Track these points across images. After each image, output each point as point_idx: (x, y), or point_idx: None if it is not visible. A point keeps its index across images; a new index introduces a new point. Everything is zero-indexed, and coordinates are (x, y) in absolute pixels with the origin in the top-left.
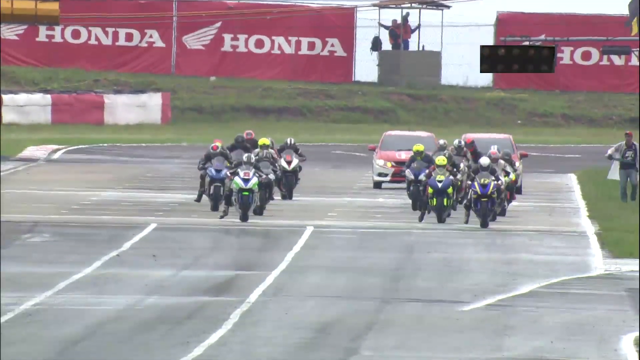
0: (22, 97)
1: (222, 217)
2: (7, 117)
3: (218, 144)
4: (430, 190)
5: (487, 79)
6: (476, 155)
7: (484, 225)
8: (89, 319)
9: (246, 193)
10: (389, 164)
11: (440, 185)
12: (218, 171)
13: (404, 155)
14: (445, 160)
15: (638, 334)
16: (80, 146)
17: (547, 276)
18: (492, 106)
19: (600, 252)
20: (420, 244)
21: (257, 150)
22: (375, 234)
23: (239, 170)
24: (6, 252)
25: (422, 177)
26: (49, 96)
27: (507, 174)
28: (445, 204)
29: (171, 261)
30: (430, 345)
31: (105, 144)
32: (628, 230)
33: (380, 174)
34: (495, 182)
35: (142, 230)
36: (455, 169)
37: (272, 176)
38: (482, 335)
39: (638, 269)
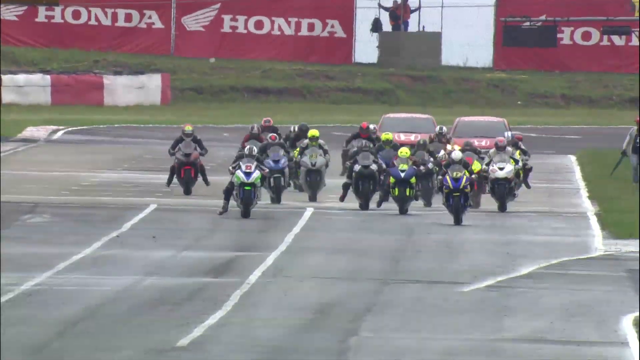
0: (22, 78)
1: (221, 213)
2: (7, 97)
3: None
4: (392, 180)
5: (487, 59)
6: (372, 142)
7: (457, 221)
8: (89, 300)
9: (248, 187)
10: (387, 147)
11: (403, 175)
12: (276, 162)
13: (403, 137)
14: (409, 152)
15: (638, 315)
16: (80, 127)
17: (546, 257)
18: (492, 87)
19: (600, 233)
20: (420, 225)
21: (306, 141)
22: (375, 216)
23: (240, 163)
24: (6, 233)
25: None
26: (48, 77)
27: (516, 161)
28: (407, 194)
29: (171, 242)
30: (430, 326)
31: (105, 125)
32: (628, 211)
33: None
34: (469, 175)
35: (141, 211)
36: (432, 157)
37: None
38: (481, 316)
39: (638, 250)
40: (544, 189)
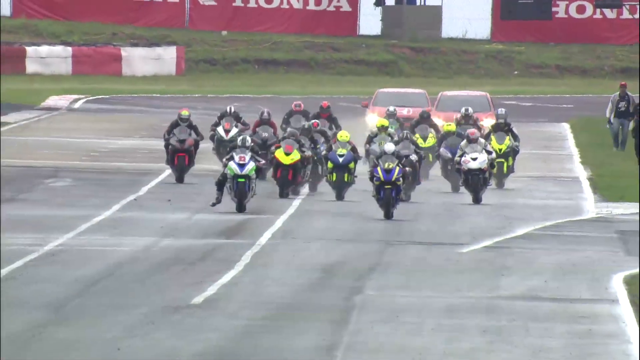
0: (44, 49)
1: (214, 204)
2: (30, 68)
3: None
4: (330, 165)
5: (485, 32)
6: (331, 122)
7: (388, 216)
8: (108, 260)
9: (242, 180)
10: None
11: (341, 160)
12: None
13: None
14: (348, 136)
15: (628, 273)
16: (99, 96)
17: (541, 219)
18: (490, 58)
19: (592, 196)
20: (421, 190)
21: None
22: None
23: (233, 154)
24: (30, 196)
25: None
26: (69, 48)
27: (488, 152)
28: (345, 179)
29: (185, 205)
30: (431, 285)
31: (123, 95)
32: (619, 175)
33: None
34: (402, 167)
35: (157, 176)
36: (416, 147)
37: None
38: (480, 275)
39: (638, 212)
40: (539, 155)
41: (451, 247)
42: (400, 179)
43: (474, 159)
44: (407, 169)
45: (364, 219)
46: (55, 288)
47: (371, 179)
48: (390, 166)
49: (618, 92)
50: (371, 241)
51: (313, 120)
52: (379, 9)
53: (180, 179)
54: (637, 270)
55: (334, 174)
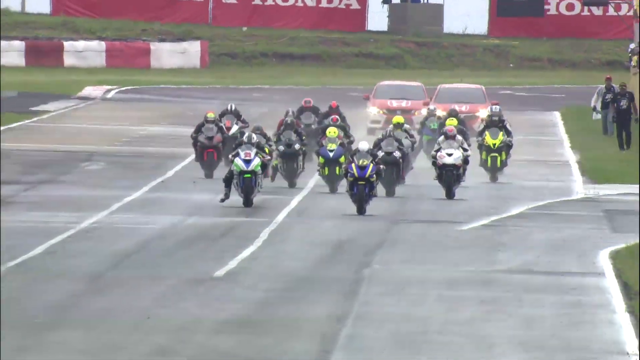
0: (81, 44)
1: (222, 200)
2: (68, 61)
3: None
4: (321, 160)
5: (483, 28)
6: (341, 120)
7: (360, 211)
8: (138, 236)
9: (248, 175)
10: (380, 112)
11: (331, 154)
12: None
13: (395, 104)
14: (337, 131)
15: (613, 249)
16: (130, 87)
17: (534, 199)
18: (487, 52)
19: (581, 178)
20: (424, 173)
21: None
22: None
23: (239, 150)
24: (68, 178)
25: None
26: (103, 43)
27: (464, 149)
28: (337, 173)
29: (209, 187)
30: (433, 259)
31: (152, 86)
32: (605, 159)
33: (373, 121)
34: (375, 164)
35: (183, 160)
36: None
37: (397, 154)
38: (478, 250)
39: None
40: (532, 141)
41: (451, 225)
42: (374, 175)
43: (450, 155)
44: (381, 166)
45: (372, 200)
46: (91, 261)
47: (345, 175)
48: (365, 163)
49: (604, 85)
50: (378, 219)
51: (332, 116)
52: (386, 6)
53: (209, 175)
54: (622, 246)
55: (326, 168)
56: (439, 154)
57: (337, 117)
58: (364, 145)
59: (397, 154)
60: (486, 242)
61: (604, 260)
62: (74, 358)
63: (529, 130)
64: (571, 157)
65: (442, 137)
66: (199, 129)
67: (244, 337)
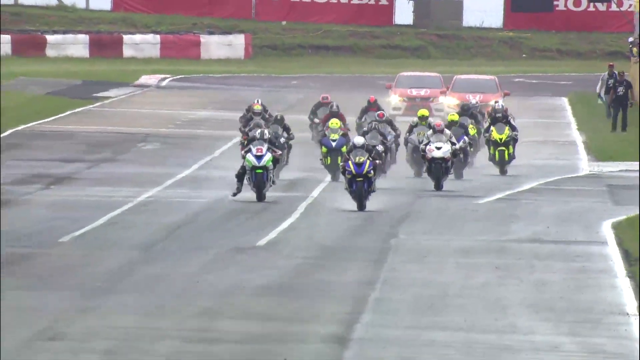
0: (138, 37)
1: (235, 194)
2: (127, 52)
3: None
4: (324, 149)
5: (498, 22)
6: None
7: (361, 208)
8: (188, 209)
9: (260, 171)
10: (401, 99)
11: (334, 144)
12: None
13: (415, 92)
14: (339, 123)
15: (615, 220)
16: (182, 76)
17: (544, 176)
18: (502, 43)
19: (586, 157)
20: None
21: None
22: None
23: (251, 146)
24: (126, 157)
25: (460, 144)
26: (158, 36)
27: (453, 143)
28: (339, 162)
29: None
30: (452, 230)
31: (201, 75)
32: (609, 140)
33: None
34: (372, 160)
35: (229, 141)
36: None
37: (380, 147)
38: (493, 222)
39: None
40: (542, 123)
41: (469, 199)
42: (372, 171)
43: (438, 148)
44: (377, 161)
45: (398, 178)
46: (145, 232)
47: (343, 172)
48: (361, 160)
49: (607, 72)
50: (403, 194)
51: (379, 112)
52: (411, 2)
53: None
54: (623, 217)
55: (329, 158)
56: (427, 147)
57: (383, 112)
58: (359, 140)
59: (380, 147)
60: (500, 214)
61: (606, 230)
62: (129, 319)
63: (540, 114)
64: (578, 138)
65: (430, 131)
66: (247, 123)
67: (282, 300)
